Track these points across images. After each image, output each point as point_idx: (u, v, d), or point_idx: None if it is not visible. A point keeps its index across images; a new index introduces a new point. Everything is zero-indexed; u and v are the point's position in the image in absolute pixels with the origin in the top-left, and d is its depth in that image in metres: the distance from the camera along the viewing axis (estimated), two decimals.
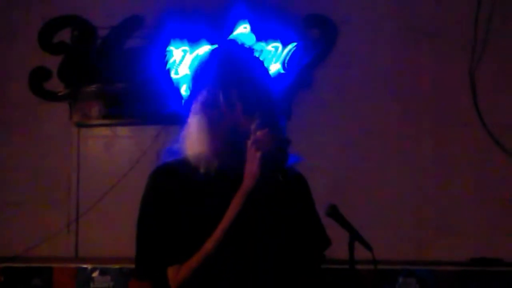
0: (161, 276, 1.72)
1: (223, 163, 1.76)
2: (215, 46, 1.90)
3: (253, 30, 4.06)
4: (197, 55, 4.08)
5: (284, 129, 1.73)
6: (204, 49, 3.96)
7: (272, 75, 1.92)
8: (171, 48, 4.18)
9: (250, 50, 1.85)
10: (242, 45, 1.88)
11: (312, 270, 1.86)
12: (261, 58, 1.88)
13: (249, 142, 1.66)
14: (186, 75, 4.15)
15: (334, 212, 2.24)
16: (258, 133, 1.66)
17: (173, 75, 4.20)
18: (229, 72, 1.77)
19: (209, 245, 1.67)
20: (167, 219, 1.73)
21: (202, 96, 1.81)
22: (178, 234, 1.71)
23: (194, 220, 1.72)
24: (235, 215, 1.66)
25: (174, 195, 1.74)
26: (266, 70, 1.85)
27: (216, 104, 1.77)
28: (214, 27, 4.11)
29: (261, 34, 4.10)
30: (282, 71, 4.16)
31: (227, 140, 1.76)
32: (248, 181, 1.65)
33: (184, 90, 4.14)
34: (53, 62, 4.47)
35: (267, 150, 1.62)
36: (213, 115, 1.77)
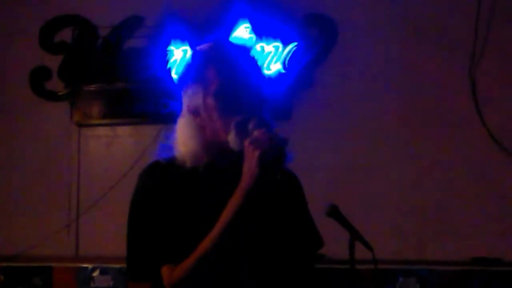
0: (154, 276, 1.72)
1: (212, 160, 1.76)
2: (205, 45, 1.87)
3: (253, 29, 4.06)
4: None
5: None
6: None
7: (264, 73, 1.90)
8: (171, 47, 4.19)
9: (241, 48, 1.83)
10: (231, 43, 1.86)
11: (304, 270, 1.85)
12: (260, 57, 1.87)
13: (247, 141, 1.65)
14: None
15: (334, 212, 2.24)
16: (255, 132, 1.66)
17: (173, 74, 4.20)
18: (225, 76, 1.75)
19: (206, 244, 1.65)
20: (157, 217, 1.72)
21: (186, 98, 1.80)
22: (170, 232, 1.70)
23: (186, 218, 1.71)
24: (233, 214, 1.65)
25: (164, 193, 1.73)
26: (257, 68, 1.81)
27: (196, 110, 1.77)
28: (214, 26, 4.11)
29: (262, 34, 4.10)
30: (283, 71, 4.16)
31: (209, 143, 1.77)
32: (246, 180, 1.64)
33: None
34: (53, 61, 4.48)
35: (265, 149, 1.62)
36: (195, 120, 1.78)
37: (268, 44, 4.14)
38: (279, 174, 1.63)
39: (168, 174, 1.76)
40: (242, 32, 4.05)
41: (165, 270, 1.70)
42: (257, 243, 1.75)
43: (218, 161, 1.76)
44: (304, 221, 1.86)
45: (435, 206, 4.17)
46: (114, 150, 4.48)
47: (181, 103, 1.83)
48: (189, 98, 1.79)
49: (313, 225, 1.88)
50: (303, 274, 1.84)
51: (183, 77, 1.83)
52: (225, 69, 1.75)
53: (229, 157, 1.72)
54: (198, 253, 1.65)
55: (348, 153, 4.24)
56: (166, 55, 4.18)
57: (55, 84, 4.48)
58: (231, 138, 1.70)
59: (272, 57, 4.14)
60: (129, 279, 1.80)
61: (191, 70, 1.81)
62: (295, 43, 4.18)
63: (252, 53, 1.82)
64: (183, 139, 1.78)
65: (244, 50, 1.81)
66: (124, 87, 4.39)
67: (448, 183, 4.16)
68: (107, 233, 4.22)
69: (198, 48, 1.85)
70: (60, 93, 4.48)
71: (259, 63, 1.83)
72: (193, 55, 1.84)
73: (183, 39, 4.17)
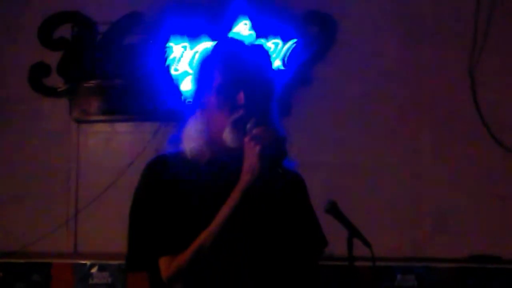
0: (153, 267, 1.73)
1: (215, 156, 1.78)
2: (217, 42, 1.91)
3: (253, 26, 4.06)
4: (197, 51, 4.08)
5: (279, 127, 1.75)
6: (204, 45, 3.96)
7: (273, 71, 1.92)
8: (170, 44, 4.18)
9: (249, 47, 1.85)
10: (239, 42, 1.88)
11: (306, 268, 1.86)
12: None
13: (247, 138, 1.67)
14: (186, 71, 4.15)
15: (333, 209, 2.24)
16: (255, 130, 1.68)
17: (172, 71, 4.19)
18: (229, 74, 1.77)
19: (204, 237, 1.67)
20: (158, 209, 1.74)
21: (202, 96, 1.83)
22: (170, 225, 1.72)
23: (186, 211, 1.72)
24: (232, 209, 1.66)
25: (166, 187, 1.76)
26: (265, 67, 1.84)
27: (204, 105, 1.81)
28: (214, 23, 4.11)
29: (261, 30, 4.10)
30: (282, 68, 4.16)
31: (213, 139, 1.78)
32: (247, 175, 1.66)
33: (184, 86, 4.14)
34: (52, 57, 4.47)
35: (265, 145, 1.63)
36: (202, 114, 1.81)
37: (267, 41, 4.14)
38: (281, 168, 1.64)
39: (171, 168, 1.78)
40: (242, 29, 4.05)
41: (162, 262, 1.71)
42: (257, 240, 1.75)
43: (220, 157, 1.78)
44: (307, 220, 1.87)
45: (433, 204, 4.17)
46: (113, 146, 4.48)
47: (195, 100, 1.86)
48: (200, 94, 1.83)
49: (317, 224, 1.89)
50: (306, 272, 1.85)
51: (194, 73, 1.87)
52: (229, 67, 1.78)
53: (231, 153, 1.74)
54: (195, 245, 1.67)
55: (347, 150, 4.24)
56: (165, 52, 4.17)
57: (54, 80, 4.48)
58: (226, 135, 1.73)
59: (271, 54, 4.14)
60: (128, 269, 1.81)
61: (200, 67, 1.85)
62: (295, 40, 4.17)
63: (264, 51, 1.85)
64: (190, 133, 1.82)
65: (252, 49, 1.84)
66: (123, 84, 4.39)
67: (447, 180, 4.17)
68: (105, 230, 4.23)
69: (208, 45, 1.89)
70: (59, 89, 4.47)
71: (268, 60, 1.85)
72: (202, 53, 1.89)
73: (182, 35, 4.16)
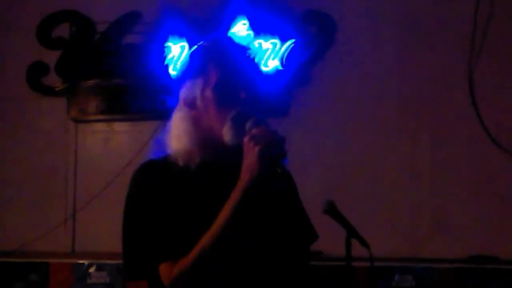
0: (153, 274, 1.71)
1: (205, 158, 1.76)
2: (207, 39, 1.89)
3: (251, 26, 4.06)
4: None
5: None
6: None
7: (262, 72, 1.91)
8: (169, 44, 4.18)
9: (241, 46, 1.84)
10: (232, 41, 1.87)
11: (299, 263, 1.86)
12: (257, 55, 1.87)
13: (246, 138, 1.66)
14: None
15: (331, 209, 2.24)
16: (254, 130, 1.67)
17: (171, 70, 4.19)
18: (227, 70, 1.77)
19: (206, 240, 1.66)
20: (152, 217, 1.72)
21: (183, 92, 1.81)
22: (166, 231, 1.70)
23: (182, 216, 1.71)
24: (233, 210, 1.65)
25: (157, 192, 1.73)
26: (255, 67, 1.83)
27: (193, 102, 1.78)
28: (212, 23, 4.11)
29: (260, 30, 4.10)
30: (280, 68, 4.15)
31: (204, 138, 1.77)
32: (246, 176, 1.64)
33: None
34: (51, 57, 4.47)
35: (265, 145, 1.63)
36: (190, 113, 1.79)
37: (266, 41, 4.13)
38: (280, 168, 1.64)
39: (161, 173, 1.76)
40: (240, 29, 4.05)
41: (163, 268, 1.69)
42: (258, 240, 1.75)
43: (212, 158, 1.76)
44: (299, 214, 1.87)
45: (432, 204, 4.17)
46: (111, 146, 4.47)
47: (178, 98, 1.84)
48: (187, 91, 1.80)
49: (306, 218, 1.89)
50: (299, 267, 1.85)
51: (184, 70, 1.85)
52: (226, 65, 1.77)
53: (224, 153, 1.73)
54: (198, 248, 1.65)
55: (346, 150, 4.24)
56: (163, 51, 4.17)
57: (53, 80, 4.47)
58: (226, 131, 1.71)
59: (269, 54, 4.14)
60: (128, 278, 1.79)
61: (192, 64, 1.83)
62: (293, 40, 4.17)
63: (251, 52, 1.84)
64: (177, 133, 1.79)
65: (244, 49, 1.83)
66: (121, 83, 4.39)
67: (445, 180, 4.17)
68: (103, 229, 4.22)
69: (200, 43, 1.87)
70: (57, 89, 4.47)
71: (257, 62, 1.85)
72: (195, 50, 1.86)
73: (181, 35, 4.16)
